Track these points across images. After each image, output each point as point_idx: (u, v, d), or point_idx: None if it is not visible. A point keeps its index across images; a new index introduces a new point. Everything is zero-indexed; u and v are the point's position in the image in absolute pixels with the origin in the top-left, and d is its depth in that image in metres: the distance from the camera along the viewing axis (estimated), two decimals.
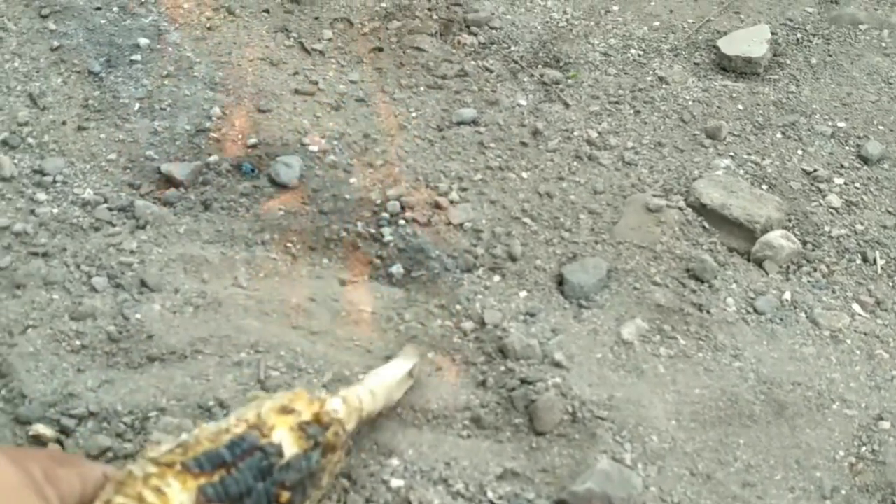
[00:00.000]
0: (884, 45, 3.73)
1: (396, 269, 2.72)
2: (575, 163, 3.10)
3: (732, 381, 2.50)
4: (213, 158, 2.95)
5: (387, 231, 2.79)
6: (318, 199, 2.85)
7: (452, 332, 2.56)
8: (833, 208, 3.02)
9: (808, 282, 2.81)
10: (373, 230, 2.79)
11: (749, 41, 3.61)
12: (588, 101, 3.37)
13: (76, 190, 2.83)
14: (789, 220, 2.97)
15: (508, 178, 3.01)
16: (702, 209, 2.93)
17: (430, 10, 3.70)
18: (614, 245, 2.83)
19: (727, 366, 2.54)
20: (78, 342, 2.41)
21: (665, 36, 3.73)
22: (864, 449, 2.40)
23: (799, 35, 3.76)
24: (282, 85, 3.25)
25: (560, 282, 2.72)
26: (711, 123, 3.28)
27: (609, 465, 2.24)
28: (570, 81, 3.46)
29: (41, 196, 2.80)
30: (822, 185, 3.09)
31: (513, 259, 2.76)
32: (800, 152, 3.22)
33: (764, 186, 3.06)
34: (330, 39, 3.51)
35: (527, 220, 2.88)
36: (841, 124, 3.35)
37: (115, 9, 3.46)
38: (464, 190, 2.94)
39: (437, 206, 2.87)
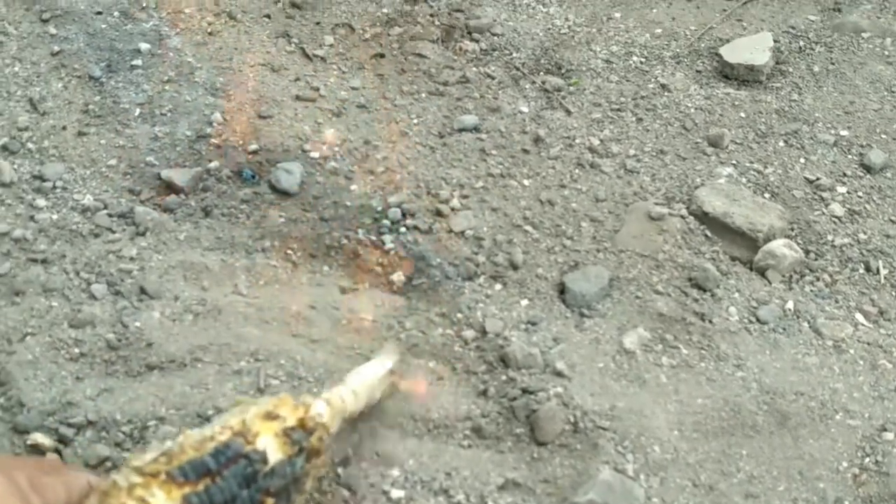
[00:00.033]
0: (887, 53, 3.72)
1: (397, 276, 2.71)
2: (577, 170, 3.09)
3: (735, 391, 2.49)
4: (213, 165, 2.94)
5: (388, 238, 2.78)
6: (318, 206, 2.84)
7: (453, 341, 2.55)
8: (836, 217, 3.01)
9: (811, 291, 2.80)
10: (374, 237, 2.78)
11: (751, 49, 3.60)
12: (590, 108, 3.36)
13: (76, 196, 2.82)
14: (792, 229, 2.96)
15: (510, 185, 3.00)
16: (704, 217, 2.92)
17: (431, 16, 3.69)
18: (616, 253, 2.81)
19: (730, 375, 2.53)
20: (77, 350, 2.39)
21: (667, 43, 3.72)
22: (867, 460, 2.39)
23: (801, 43, 3.75)
24: (283, 91, 3.24)
25: (562, 290, 2.71)
26: (714, 131, 3.27)
27: (611, 475, 2.23)
28: (571, 88, 3.45)
29: (41, 202, 2.78)
30: (824, 194, 3.08)
31: (514, 267, 2.75)
32: (802, 161, 3.21)
33: (766, 195, 3.05)
34: (331, 45, 3.51)
35: (528, 227, 2.86)
36: (844, 133, 3.34)
37: (115, 13, 3.46)
38: (465, 197, 2.93)
39: (439, 213, 2.86)
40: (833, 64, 3.66)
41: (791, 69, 3.62)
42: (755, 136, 3.29)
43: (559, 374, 2.45)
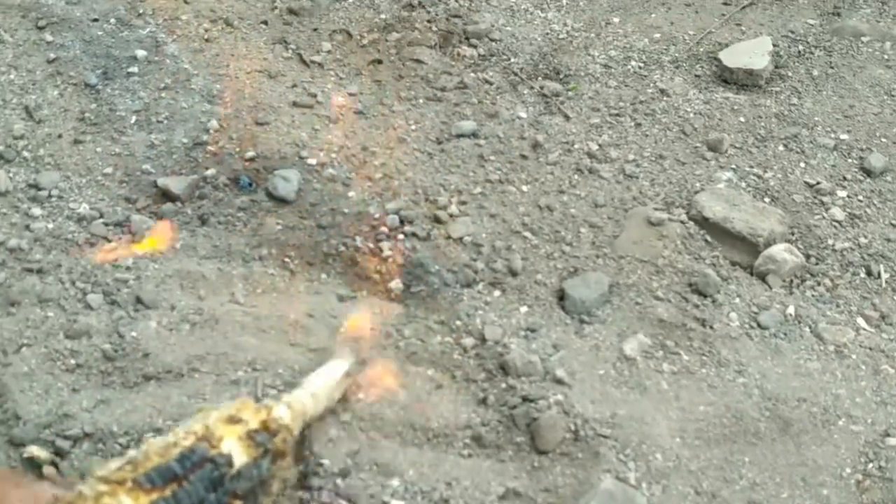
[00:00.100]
0: (886, 57, 3.70)
1: (396, 284, 2.69)
2: (575, 176, 3.07)
3: (737, 397, 2.47)
4: (210, 172, 2.93)
5: (386, 246, 2.76)
6: (316, 214, 2.83)
7: (452, 349, 2.53)
8: (836, 221, 3.00)
9: (812, 296, 2.79)
10: (371, 245, 2.77)
11: (751, 53, 3.58)
12: (588, 113, 3.35)
13: (72, 205, 2.81)
14: (792, 234, 2.94)
15: (508, 191, 2.98)
16: (704, 223, 2.90)
17: (429, 21, 3.68)
18: (616, 259, 2.80)
19: (731, 382, 2.51)
20: (73, 361, 2.37)
21: (666, 48, 3.71)
22: (870, 466, 2.37)
23: (801, 47, 3.74)
24: (280, 97, 3.23)
25: (561, 297, 2.70)
26: (713, 136, 3.26)
27: (613, 484, 2.21)
28: (570, 94, 3.44)
29: (36, 211, 2.77)
30: (824, 198, 3.07)
31: (513, 274, 2.74)
32: (802, 165, 3.19)
33: (766, 199, 3.03)
34: (329, 51, 3.49)
35: (527, 233, 2.85)
36: (843, 136, 3.32)
37: (112, 20, 3.44)
38: (463, 203, 2.91)
39: (437, 219, 2.84)
40: (832, 68, 3.65)
41: (790, 73, 3.61)
42: (755, 141, 3.28)
43: (559, 381, 2.43)
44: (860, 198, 3.10)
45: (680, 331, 2.61)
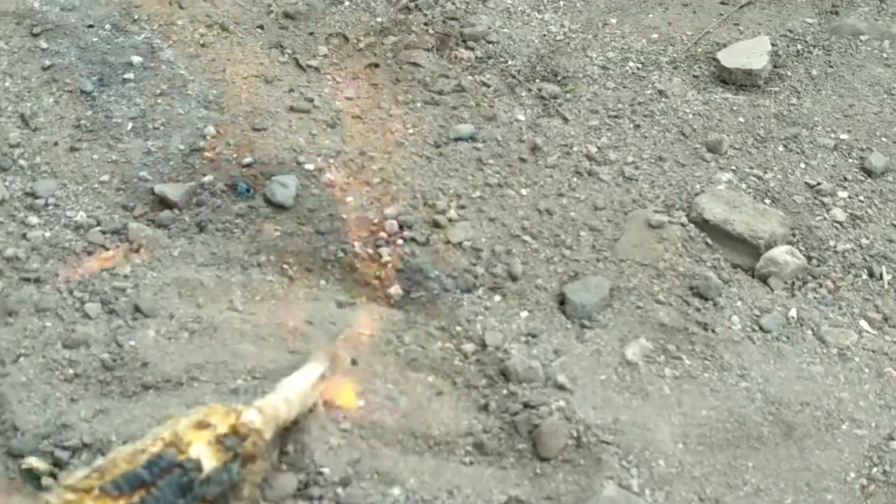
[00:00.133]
0: (885, 55, 3.69)
1: (395, 289, 2.68)
2: (575, 179, 3.06)
3: (739, 401, 2.46)
4: (207, 179, 2.91)
5: (385, 251, 2.75)
6: (314, 219, 2.81)
7: (453, 355, 2.52)
8: (837, 222, 2.98)
9: (814, 298, 2.77)
10: (370, 250, 2.75)
11: (749, 53, 3.57)
12: (587, 115, 3.34)
13: (68, 213, 2.79)
14: (793, 235, 2.93)
15: (507, 195, 2.97)
16: (704, 225, 2.89)
17: (426, 24, 3.66)
18: (616, 263, 2.79)
19: (734, 386, 2.50)
20: (71, 371, 2.36)
21: (664, 48, 3.69)
22: (875, 470, 2.36)
23: (799, 46, 3.73)
24: (277, 102, 3.21)
25: (562, 301, 2.68)
26: (712, 137, 3.24)
27: (616, 491, 2.20)
28: (568, 95, 3.42)
29: (33, 219, 2.75)
30: (825, 199, 3.05)
31: (513, 278, 2.72)
32: (802, 165, 3.18)
33: (767, 201, 3.02)
34: (325, 55, 3.48)
35: (527, 238, 2.83)
36: (843, 136, 3.31)
37: (107, 27, 3.42)
38: (462, 208, 2.90)
39: (436, 224, 2.83)
40: (831, 67, 3.63)
41: (789, 73, 3.60)
42: (754, 142, 3.26)
43: (561, 387, 2.42)
44: (861, 198, 3.08)
45: (682, 335, 2.60)
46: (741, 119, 3.35)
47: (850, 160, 3.23)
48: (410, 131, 3.19)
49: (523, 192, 2.99)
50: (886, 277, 2.85)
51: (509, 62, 3.57)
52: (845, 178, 3.15)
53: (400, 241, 2.77)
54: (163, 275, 2.63)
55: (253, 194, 2.89)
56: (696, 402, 2.44)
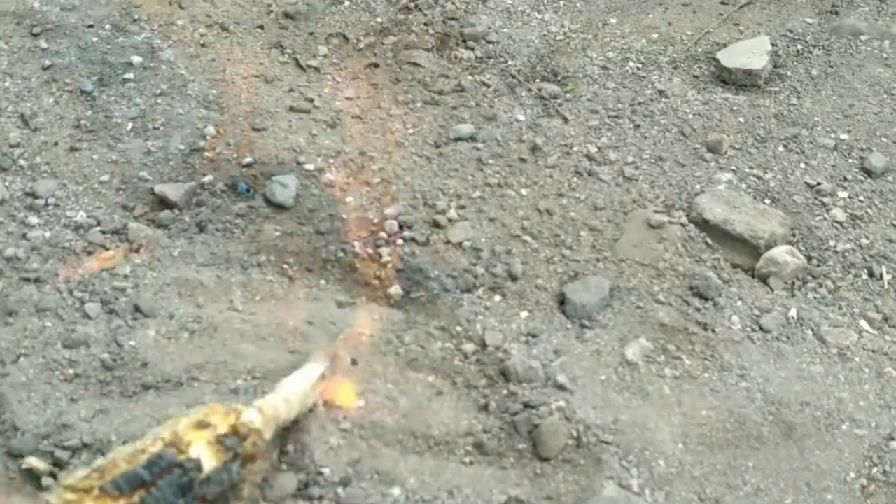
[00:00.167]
0: (885, 55, 3.69)
1: (395, 289, 2.68)
2: (575, 178, 3.06)
3: (739, 401, 2.45)
4: (207, 179, 2.91)
5: (385, 251, 2.74)
6: (314, 219, 2.81)
7: (453, 355, 2.52)
8: (837, 222, 2.98)
9: (814, 298, 2.77)
10: (370, 250, 2.75)
11: (749, 53, 3.57)
12: (587, 115, 3.33)
13: (68, 213, 2.79)
14: (793, 235, 2.93)
15: (507, 195, 2.97)
16: (704, 225, 2.89)
17: (426, 24, 3.66)
18: (616, 263, 2.78)
19: (734, 386, 2.50)
20: (71, 371, 2.36)
21: (664, 48, 3.69)
22: (875, 470, 2.36)
23: (799, 46, 3.73)
24: (277, 102, 3.21)
25: (562, 301, 2.68)
26: (712, 137, 3.24)
27: (616, 491, 2.20)
28: (568, 95, 3.42)
29: (33, 219, 2.75)
30: (825, 199, 3.05)
31: (513, 278, 2.72)
32: (802, 165, 3.18)
33: (767, 201, 3.02)
34: (325, 55, 3.48)
35: (527, 237, 2.83)
36: (843, 136, 3.31)
37: (107, 27, 3.42)
38: (462, 208, 2.89)
39: (436, 224, 2.83)
40: (831, 67, 3.63)
41: (789, 73, 3.59)
42: (754, 142, 3.26)
43: (561, 387, 2.42)
44: (861, 198, 3.08)
45: (682, 335, 2.60)
46: (741, 119, 3.35)
47: (850, 160, 3.22)
48: (410, 131, 3.18)
49: (523, 192, 2.99)
50: (886, 277, 2.84)
51: (509, 62, 3.56)
52: (845, 178, 3.15)
53: (400, 241, 2.77)
54: (163, 275, 2.63)
55: (253, 194, 2.89)
56: (696, 402, 2.44)
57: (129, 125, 3.07)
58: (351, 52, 3.52)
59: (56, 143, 2.99)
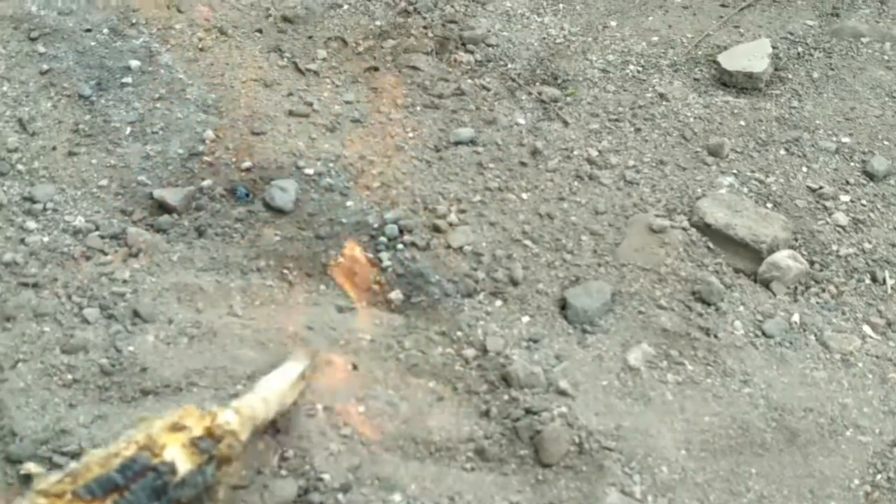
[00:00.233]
0: (886, 58, 3.68)
1: (395, 294, 2.66)
2: (575, 183, 3.04)
3: (742, 407, 2.44)
4: (206, 183, 2.90)
5: (385, 256, 2.73)
6: (314, 224, 2.80)
7: (454, 360, 2.51)
8: (840, 226, 2.97)
9: (817, 303, 2.76)
10: (371, 255, 2.74)
11: (750, 56, 3.56)
12: (587, 118, 3.32)
13: (67, 217, 2.78)
14: (796, 240, 2.92)
15: (508, 199, 2.96)
16: (706, 229, 2.87)
17: (425, 28, 3.65)
18: (618, 267, 2.77)
19: (736, 392, 2.48)
20: (70, 376, 2.35)
21: (664, 51, 3.68)
22: (879, 477, 2.35)
23: (800, 49, 3.71)
24: (276, 106, 3.20)
25: (563, 306, 2.67)
26: (713, 140, 3.23)
27: (618, 498, 2.19)
28: (568, 99, 3.41)
29: (31, 224, 2.74)
30: (828, 203, 3.04)
31: (514, 283, 2.71)
32: (804, 169, 3.16)
33: (769, 205, 3.01)
34: (324, 59, 3.46)
35: (528, 242, 2.82)
36: (845, 140, 3.30)
37: (105, 31, 3.41)
38: (463, 212, 2.88)
39: (436, 228, 2.81)
40: (832, 70, 3.62)
41: (790, 76, 3.58)
42: (756, 145, 3.25)
43: (563, 393, 2.41)
44: (863, 202, 3.07)
45: (684, 340, 2.59)
46: (742, 122, 3.34)
47: (852, 164, 3.21)
48: (410, 135, 3.17)
49: (524, 196, 2.97)
50: (889, 282, 2.83)
51: (509, 65, 3.55)
52: (847, 182, 3.14)
53: (400, 246, 2.76)
54: (162, 280, 2.62)
55: (252, 199, 2.87)
56: (699, 409, 2.43)
57: (128, 129, 3.06)
58: (350, 55, 3.50)
59: (54, 148, 2.98)
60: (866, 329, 2.70)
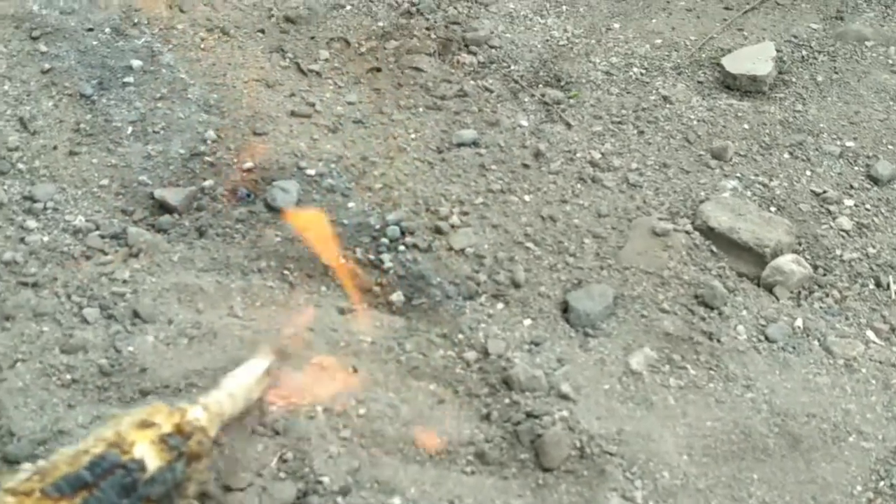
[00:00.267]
0: (891, 61, 3.66)
1: (397, 296, 2.65)
2: (578, 185, 3.03)
3: (745, 412, 2.43)
4: (207, 183, 2.89)
5: (386, 257, 2.72)
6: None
7: (455, 363, 2.49)
8: (844, 231, 2.95)
9: (821, 308, 2.74)
10: (372, 256, 2.73)
11: (754, 59, 3.54)
12: (590, 121, 3.31)
13: (67, 217, 2.77)
14: (799, 244, 2.90)
15: (510, 201, 2.94)
16: (709, 233, 2.86)
17: (428, 29, 3.64)
18: (620, 271, 2.76)
19: (739, 397, 2.47)
20: (68, 376, 2.33)
21: (668, 54, 3.67)
22: (882, 483, 2.33)
23: (804, 52, 3.70)
24: (278, 107, 3.19)
25: (565, 309, 2.66)
26: (717, 144, 3.22)
27: (620, 503, 2.17)
28: (571, 101, 3.40)
29: (31, 224, 2.73)
30: (831, 207, 3.02)
31: (516, 286, 2.69)
32: (808, 173, 3.15)
33: (772, 209, 2.99)
34: (326, 60, 3.45)
35: (530, 244, 2.81)
36: (849, 144, 3.28)
37: (107, 30, 3.40)
38: (465, 214, 2.87)
39: (438, 230, 2.80)
40: (837, 73, 3.60)
41: (794, 79, 3.57)
42: (759, 148, 3.23)
43: (564, 396, 2.39)
44: (867, 206, 3.05)
45: (686, 344, 2.57)
46: (746, 125, 3.32)
47: (857, 168, 3.20)
48: (412, 136, 3.16)
49: (526, 198, 2.96)
50: (893, 287, 2.82)
51: (512, 67, 3.54)
52: (851, 186, 3.12)
53: (402, 248, 2.74)
54: (162, 280, 2.61)
55: (254, 199, 2.87)
56: (701, 413, 2.42)
57: (129, 129, 3.05)
58: (352, 56, 3.50)
59: (55, 147, 2.97)
60: (870, 334, 2.69)
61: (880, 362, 2.60)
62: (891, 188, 3.13)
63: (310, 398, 2.33)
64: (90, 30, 3.39)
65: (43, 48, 3.29)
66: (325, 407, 2.32)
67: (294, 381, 2.35)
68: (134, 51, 3.32)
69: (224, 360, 2.40)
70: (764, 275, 2.78)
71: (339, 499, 2.14)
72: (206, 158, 2.97)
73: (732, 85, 3.51)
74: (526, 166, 3.08)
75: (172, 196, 2.84)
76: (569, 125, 3.28)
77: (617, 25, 3.82)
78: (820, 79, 3.57)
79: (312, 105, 3.21)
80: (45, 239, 2.69)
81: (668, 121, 3.33)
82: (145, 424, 1.96)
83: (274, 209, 2.82)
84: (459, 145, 3.13)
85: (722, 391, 2.48)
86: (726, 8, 3.95)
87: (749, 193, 3.04)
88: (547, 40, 3.70)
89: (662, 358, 2.54)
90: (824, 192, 3.07)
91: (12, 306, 2.48)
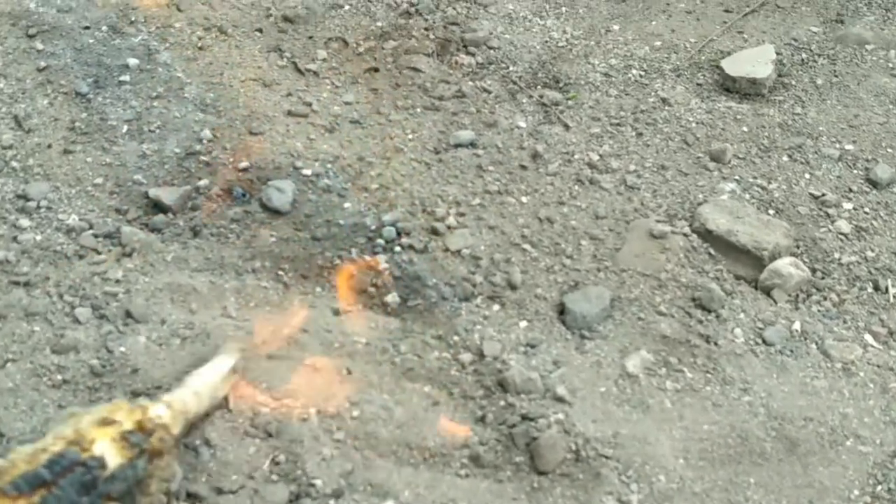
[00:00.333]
0: (891, 65, 3.65)
1: (392, 297, 2.64)
2: (576, 187, 3.02)
3: (742, 416, 2.41)
4: (203, 183, 2.88)
5: (382, 258, 2.70)
6: (311, 225, 2.77)
7: (450, 365, 2.48)
8: (842, 234, 2.94)
9: (819, 311, 2.73)
10: (368, 257, 2.71)
11: (753, 61, 3.53)
12: (589, 122, 3.29)
13: (61, 216, 2.75)
14: (797, 247, 2.89)
15: (507, 202, 2.93)
16: (707, 235, 2.84)
17: (426, 29, 3.62)
18: (617, 273, 2.74)
19: (736, 400, 2.45)
20: (59, 377, 2.32)
21: (667, 56, 3.65)
22: (879, 488, 2.31)
23: (804, 55, 3.68)
24: (274, 106, 3.17)
25: (561, 311, 2.64)
26: (716, 146, 3.20)
27: None
28: (570, 102, 3.38)
29: (24, 222, 2.71)
30: (830, 210, 3.01)
31: (512, 287, 2.68)
32: (807, 176, 3.13)
33: (771, 211, 2.97)
34: (324, 59, 3.44)
35: (527, 246, 2.79)
36: (848, 147, 3.26)
37: (103, 28, 3.39)
38: (462, 215, 2.85)
39: (434, 231, 2.79)
40: (836, 76, 3.59)
41: (794, 82, 3.55)
42: (758, 151, 3.22)
43: (560, 399, 2.38)
44: (866, 210, 3.03)
45: (683, 347, 2.56)
46: (745, 128, 3.31)
47: (856, 171, 3.18)
48: (410, 137, 3.15)
49: (524, 199, 2.95)
50: (892, 291, 2.80)
51: (510, 68, 3.52)
52: (850, 190, 3.10)
53: (398, 248, 2.73)
54: (155, 280, 2.59)
55: (249, 199, 2.85)
56: (698, 417, 2.40)
57: (125, 128, 3.04)
58: (350, 56, 3.48)
59: (50, 146, 2.96)
60: (868, 338, 2.67)
61: (878, 366, 2.59)
62: (890, 192, 3.11)
63: (303, 400, 2.32)
64: (87, 28, 3.37)
65: (39, 46, 3.27)
66: (318, 409, 2.30)
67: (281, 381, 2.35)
68: (130, 49, 3.31)
69: None
70: (762, 278, 2.76)
71: (332, 502, 2.13)
72: (202, 158, 2.95)
73: (732, 87, 3.49)
74: (523, 168, 3.06)
75: (167, 195, 2.82)
76: (567, 127, 3.26)
77: (616, 27, 3.81)
78: (819, 82, 3.56)
79: (309, 105, 3.20)
80: (38, 238, 2.67)
81: (667, 123, 3.31)
82: (106, 422, 1.96)
83: (269, 209, 2.80)
84: (457, 146, 3.12)
85: (719, 394, 2.46)
86: (726, 10, 3.93)
87: (747, 196, 3.03)
88: (546, 41, 3.69)
89: (659, 361, 2.52)
90: (823, 195, 3.05)
91: (3, 306, 2.47)
